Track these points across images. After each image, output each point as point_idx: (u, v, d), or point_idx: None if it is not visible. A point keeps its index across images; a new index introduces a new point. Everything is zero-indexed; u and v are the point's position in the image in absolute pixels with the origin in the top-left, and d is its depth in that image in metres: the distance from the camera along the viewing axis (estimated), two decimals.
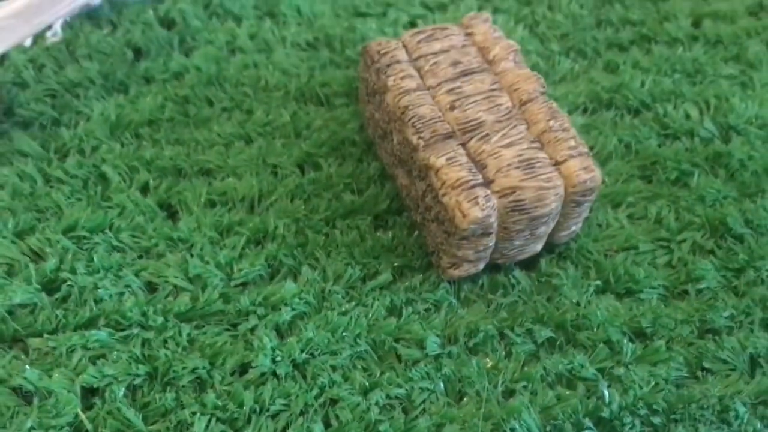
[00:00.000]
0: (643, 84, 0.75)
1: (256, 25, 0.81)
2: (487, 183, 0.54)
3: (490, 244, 0.56)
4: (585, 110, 0.73)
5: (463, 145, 0.56)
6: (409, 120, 0.57)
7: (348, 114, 0.72)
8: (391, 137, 0.61)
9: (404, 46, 0.64)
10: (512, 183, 0.53)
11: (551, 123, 0.57)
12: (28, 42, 0.77)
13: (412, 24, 0.82)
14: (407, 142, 0.57)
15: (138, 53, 0.78)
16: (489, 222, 0.53)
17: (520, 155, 0.55)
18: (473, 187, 0.53)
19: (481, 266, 0.59)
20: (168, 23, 0.81)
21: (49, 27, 0.76)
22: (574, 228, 0.60)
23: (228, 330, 0.57)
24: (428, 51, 0.62)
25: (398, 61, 0.62)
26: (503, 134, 0.56)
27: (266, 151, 0.69)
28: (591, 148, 0.70)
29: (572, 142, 0.56)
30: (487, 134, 0.56)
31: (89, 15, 0.81)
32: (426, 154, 0.55)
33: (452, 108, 0.58)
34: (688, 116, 0.72)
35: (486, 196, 0.53)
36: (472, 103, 0.58)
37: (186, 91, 0.73)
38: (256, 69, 0.76)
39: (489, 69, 0.61)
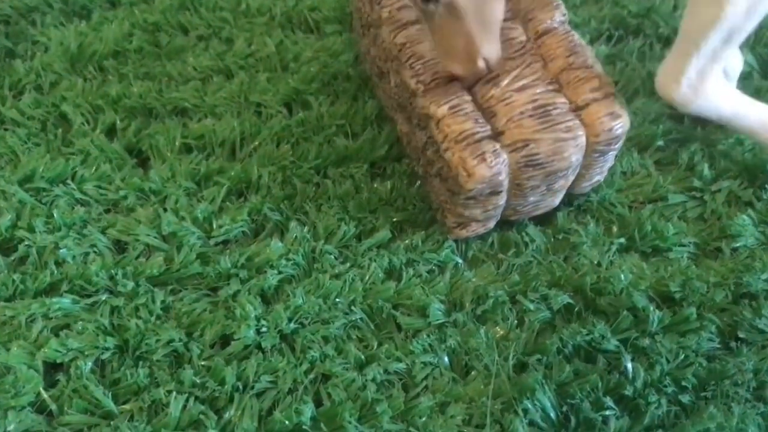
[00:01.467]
0: (675, 7, 0.67)
1: None
2: (497, 135, 0.47)
3: (501, 203, 0.49)
4: (609, 38, 0.65)
5: (469, 89, 0.48)
6: (407, 60, 0.49)
7: (341, 43, 0.63)
8: (389, 78, 0.54)
9: None
10: (525, 135, 0.46)
11: (571, 59, 0.49)
12: None
13: None
14: (405, 86, 0.50)
15: None
16: (498, 180, 0.46)
17: (535, 100, 0.47)
18: (480, 140, 0.46)
19: (492, 225, 0.52)
20: None
21: None
22: (597, 178, 0.53)
23: (207, 296, 0.51)
24: None
25: None
26: (515, 75, 0.48)
27: (248, 87, 0.61)
28: (615, 83, 0.62)
29: (596, 82, 0.48)
30: (497, 75, 0.48)
31: None
32: (426, 101, 0.48)
33: None
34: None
35: (495, 151, 0.46)
36: None
37: (156, 17, 0.65)
38: None
39: None
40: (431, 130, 0.48)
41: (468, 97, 0.48)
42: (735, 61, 0.57)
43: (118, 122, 0.59)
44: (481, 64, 0.46)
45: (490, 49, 0.46)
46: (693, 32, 0.47)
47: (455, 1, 0.43)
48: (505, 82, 0.48)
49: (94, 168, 0.56)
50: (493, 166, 0.45)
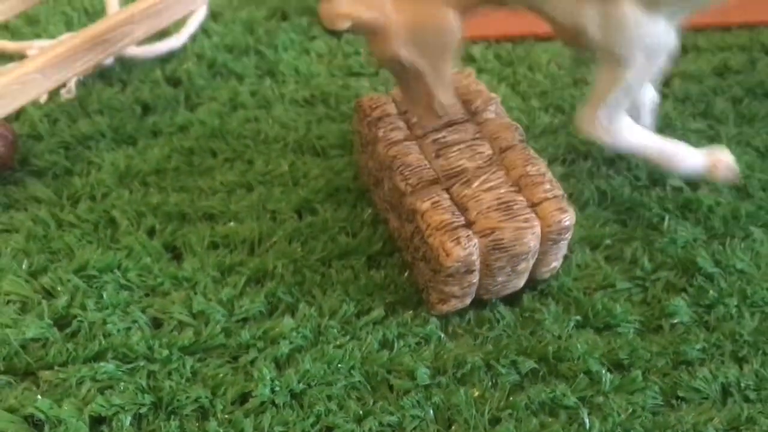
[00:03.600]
0: None
1: (256, 83, 0.86)
2: (469, 224, 0.59)
3: (474, 281, 0.60)
4: (563, 161, 0.79)
5: (447, 190, 0.61)
6: (398, 168, 0.62)
7: (342, 164, 0.77)
8: (383, 184, 0.66)
9: (394, 100, 0.69)
10: (492, 224, 0.58)
11: (528, 168, 0.62)
12: (43, 98, 0.82)
13: None
14: (396, 188, 0.62)
15: (146, 109, 0.83)
16: (471, 260, 0.58)
17: (499, 198, 0.60)
18: (456, 228, 0.58)
19: (468, 301, 0.62)
20: (174, 81, 0.87)
21: (64, 84, 0.81)
22: (554, 264, 0.64)
23: (229, 362, 0.60)
24: None
25: (388, 114, 0.67)
26: (484, 179, 0.61)
27: (266, 197, 0.73)
28: (570, 195, 0.75)
29: (548, 186, 0.61)
30: (469, 179, 0.61)
31: (101, 74, 0.86)
32: (413, 198, 0.60)
33: (437, 156, 0.63)
34: (657, 165, 0.78)
35: (468, 236, 0.57)
36: (455, 151, 0.63)
37: (191, 143, 0.78)
38: (257, 123, 0.81)
39: (472, 119, 0.67)
40: (417, 222, 0.60)
41: (446, 195, 0.60)
42: (648, 97, 0.74)
43: (157, 225, 0.70)
44: (438, 109, 0.60)
45: (445, 97, 0.60)
46: (600, 90, 0.63)
47: (412, 62, 0.57)
48: (476, 184, 0.61)
49: (137, 260, 0.67)
50: (467, 248, 0.57)
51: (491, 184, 0.61)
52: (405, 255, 0.66)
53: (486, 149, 0.64)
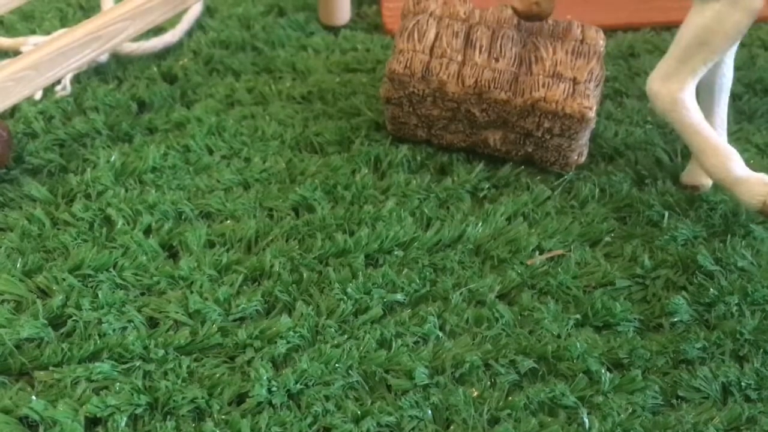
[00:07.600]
0: (616, 134, 0.80)
1: (253, 80, 0.86)
2: None
3: None
4: None
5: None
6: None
7: (340, 160, 0.76)
8: (463, 116, 0.72)
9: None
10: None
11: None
12: (38, 95, 0.81)
13: None
14: (498, 102, 0.70)
15: (142, 106, 0.83)
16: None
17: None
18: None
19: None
20: (171, 78, 0.87)
21: (59, 81, 0.81)
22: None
23: (226, 362, 0.60)
24: None
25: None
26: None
27: (263, 195, 0.73)
28: (568, 192, 0.74)
29: None
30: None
31: (96, 70, 0.86)
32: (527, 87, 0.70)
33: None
34: (659, 163, 0.77)
35: None
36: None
37: (187, 141, 0.78)
38: (254, 120, 0.81)
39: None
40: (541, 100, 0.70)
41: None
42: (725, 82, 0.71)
43: (154, 223, 0.69)
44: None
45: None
46: (676, 41, 0.64)
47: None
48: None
49: (133, 259, 0.66)
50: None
51: None
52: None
53: None
